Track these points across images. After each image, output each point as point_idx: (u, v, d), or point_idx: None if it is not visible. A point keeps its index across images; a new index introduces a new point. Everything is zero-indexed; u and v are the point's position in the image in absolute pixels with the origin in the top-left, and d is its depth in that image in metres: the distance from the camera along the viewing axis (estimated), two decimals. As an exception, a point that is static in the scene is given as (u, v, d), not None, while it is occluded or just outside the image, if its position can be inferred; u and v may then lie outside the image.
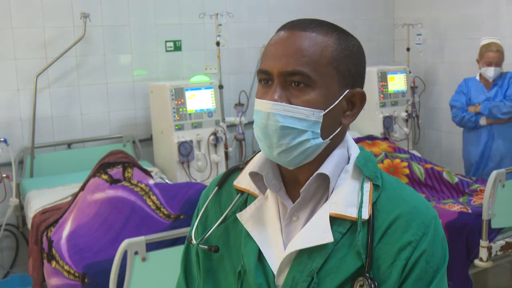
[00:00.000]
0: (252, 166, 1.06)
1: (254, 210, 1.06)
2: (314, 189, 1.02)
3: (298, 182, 1.03)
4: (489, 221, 2.71)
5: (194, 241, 1.11)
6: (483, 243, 2.72)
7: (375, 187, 1.00)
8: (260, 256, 1.02)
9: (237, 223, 1.07)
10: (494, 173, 2.71)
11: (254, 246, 1.03)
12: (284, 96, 0.97)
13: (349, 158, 1.04)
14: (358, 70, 1.02)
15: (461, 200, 3.26)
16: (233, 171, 1.15)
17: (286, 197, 1.04)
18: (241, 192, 1.10)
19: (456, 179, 3.37)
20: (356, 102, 1.03)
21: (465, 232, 2.77)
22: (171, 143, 3.57)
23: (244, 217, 1.05)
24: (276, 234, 1.03)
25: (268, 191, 1.06)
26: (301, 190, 1.00)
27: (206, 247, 1.08)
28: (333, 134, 1.01)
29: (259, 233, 1.03)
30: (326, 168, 1.00)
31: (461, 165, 4.38)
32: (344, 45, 1.00)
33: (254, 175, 1.05)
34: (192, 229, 1.14)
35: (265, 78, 1.00)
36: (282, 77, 0.97)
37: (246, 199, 1.09)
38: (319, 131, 0.98)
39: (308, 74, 0.96)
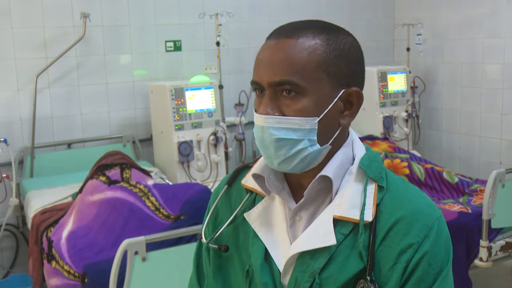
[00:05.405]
0: (255, 168, 1.06)
1: (261, 210, 1.06)
2: (317, 191, 1.01)
3: (302, 185, 1.03)
4: (489, 221, 2.70)
5: (204, 240, 1.12)
6: (483, 243, 2.71)
7: (380, 188, 0.99)
8: (267, 256, 1.02)
9: (246, 222, 1.07)
10: (494, 173, 2.70)
11: (260, 245, 1.03)
12: (276, 107, 0.97)
13: (354, 159, 1.03)
14: (352, 69, 1.00)
15: (461, 200, 3.25)
16: (243, 169, 1.15)
17: (289, 198, 1.04)
18: (250, 191, 1.10)
19: (456, 179, 3.36)
20: (354, 101, 1.01)
21: (465, 232, 2.77)
22: (171, 143, 3.57)
23: (252, 216, 1.06)
24: (283, 233, 1.03)
25: None
26: (304, 193, 1.00)
27: (216, 246, 1.08)
28: (333, 138, 1.00)
29: (266, 233, 1.04)
30: (329, 170, 0.99)
31: (461, 165, 4.38)
32: (333, 46, 0.98)
33: (257, 177, 1.05)
34: (203, 227, 1.14)
35: (258, 88, 1.00)
36: (271, 88, 0.97)
37: (255, 198, 1.09)
38: (315, 138, 0.97)
39: (296, 83, 0.95)
